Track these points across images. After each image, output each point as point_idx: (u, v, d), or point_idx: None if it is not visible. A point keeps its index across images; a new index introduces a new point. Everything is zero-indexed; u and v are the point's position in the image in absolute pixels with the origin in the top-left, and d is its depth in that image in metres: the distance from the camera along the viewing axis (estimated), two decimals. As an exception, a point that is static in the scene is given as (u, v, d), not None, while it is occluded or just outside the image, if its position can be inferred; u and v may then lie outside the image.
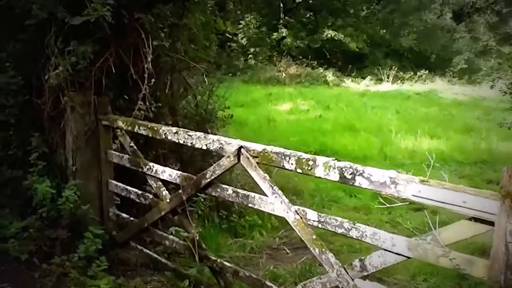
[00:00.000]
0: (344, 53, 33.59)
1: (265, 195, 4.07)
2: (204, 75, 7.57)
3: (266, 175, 4.09)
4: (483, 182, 10.06)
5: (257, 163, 4.08)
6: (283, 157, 3.86)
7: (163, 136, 4.95)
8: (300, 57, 31.79)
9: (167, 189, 5.16)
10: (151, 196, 5.33)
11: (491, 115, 18.46)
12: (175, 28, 6.43)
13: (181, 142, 4.77)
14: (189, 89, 7.27)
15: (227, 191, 4.46)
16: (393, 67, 31.58)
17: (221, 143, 4.39)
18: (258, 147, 4.13)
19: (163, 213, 5.10)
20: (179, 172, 4.97)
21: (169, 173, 5.01)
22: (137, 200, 5.54)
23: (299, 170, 3.77)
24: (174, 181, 4.97)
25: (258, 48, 31.98)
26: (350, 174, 3.51)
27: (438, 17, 35.51)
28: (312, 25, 33.81)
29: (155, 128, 5.08)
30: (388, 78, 30.69)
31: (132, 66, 5.74)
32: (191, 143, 4.65)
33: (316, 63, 31.82)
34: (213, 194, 4.65)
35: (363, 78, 31.54)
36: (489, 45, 38.06)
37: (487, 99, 25.99)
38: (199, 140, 4.58)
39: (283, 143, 10.98)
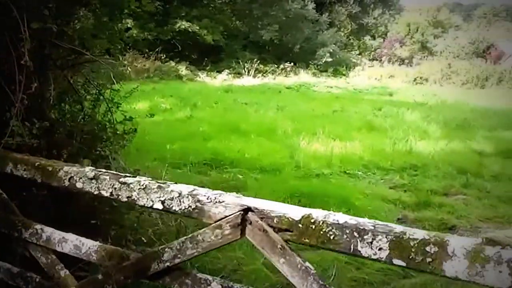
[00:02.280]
0: (198, 46, 31.88)
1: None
2: (112, 76, 5.49)
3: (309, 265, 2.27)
4: (422, 192, 8.06)
5: (287, 241, 2.26)
6: (355, 233, 2.11)
7: (66, 183, 3.06)
8: (147, 50, 29.31)
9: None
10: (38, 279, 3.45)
11: (383, 109, 17.25)
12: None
13: (106, 194, 2.84)
14: (84, 95, 5.09)
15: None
16: (254, 60, 30.36)
17: (198, 201, 2.48)
18: (287, 209, 2.30)
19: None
20: (98, 244, 3.09)
21: (75, 244, 3.14)
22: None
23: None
24: (87, 258, 3.13)
25: (98, 41, 28.52)
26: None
27: (302, 8, 34.63)
28: (161, 16, 31.34)
29: (49, 169, 3.20)
30: (248, 71, 29.61)
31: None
32: (130, 197, 2.69)
33: (165, 56, 29.80)
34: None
35: (219, 72, 30.56)
36: (351, 36, 38.52)
37: (363, 91, 25.64)
38: (148, 192, 2.62)
39: (160, 154, 8.29)
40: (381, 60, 45.11)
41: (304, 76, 30.50)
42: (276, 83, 26.21)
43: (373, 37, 52.93)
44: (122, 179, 2.63)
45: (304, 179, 8.25)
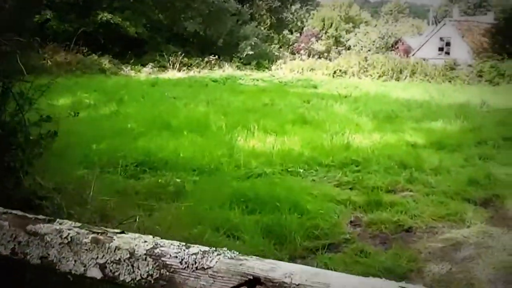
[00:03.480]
0: (121, 38, 30.36)
1: None
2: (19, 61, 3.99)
3: None
4: (370, 190, 7.33)
5: None
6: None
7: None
8: (68, 42, 27.43)
9: None
10: None
11: (312, 102, 16.58)
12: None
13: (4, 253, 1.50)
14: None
15: None
16: (178, 53, 29.14)
17: (164, 266, 1.30)
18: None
19: None
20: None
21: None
22: None
23: None
24: None
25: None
26: None
27: (224, 1, 33.64)
28: (82, 6, 29.50)
29: None
30: (173, 65, 28.36)
31: None
32: (45, 258, 1.44)
33: (87, 49, 28.17)
34: None
35: (144, 65, 29.39)
36: (271, 30, 38.01)
37: (289, 84, 25.08)
38: (77, 249, 1.40)
39: (86, 158, 7.16)
40: (299, 53, 45.02)
41: (228, 69, 29.64)
42: (202, 77, 25.24)
43: (291, 32, 52.95)
44: (31, 227, 1.49)
45: (247, 179, 7.34)
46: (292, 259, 4.99)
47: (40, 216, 1.51)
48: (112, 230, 1.42)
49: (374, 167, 8.65)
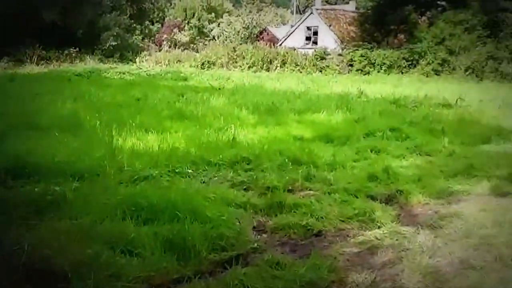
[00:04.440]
0: None
1: None
2: None
3: None
4: (266, 190, 6.96)
5: None
6: None
7: None
8: None
9: None
10: None
11: (186, 95, 16.05)
12: None
13: None
14: None
15: None
16: (36, 46, 27.15)
17: None
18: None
19: None
20: None
21: None
22: None
23: None
24: None
25: None
26: None
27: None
28: None
29: None
30: (31, 58, 26.36)
31: None
32: None
33: None
34: None
35: None
36: (133, 21, 36.84)
37: (157, 76, 24.35)
38: None
39: None
40: (160, 45, 44.21)
41: (90, 62, 28.17)
42: (64, 70, 23.90)
43: (152, 22, 51.84)
44: None
45: (133, 184, 6.60)
46: (200, 276, 4.43)
47: None
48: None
49: (266, 164, 8.24)
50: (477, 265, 4.80)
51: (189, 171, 7.73)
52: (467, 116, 14.10)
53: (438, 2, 36.46)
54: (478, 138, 10.94)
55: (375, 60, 33.05)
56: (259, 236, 5.54)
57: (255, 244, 5.22)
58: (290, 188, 7.20)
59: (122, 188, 6.28)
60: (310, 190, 7.21)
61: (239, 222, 5.70)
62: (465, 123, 12.72)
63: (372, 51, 33.80)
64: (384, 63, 32.95)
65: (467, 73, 30.40)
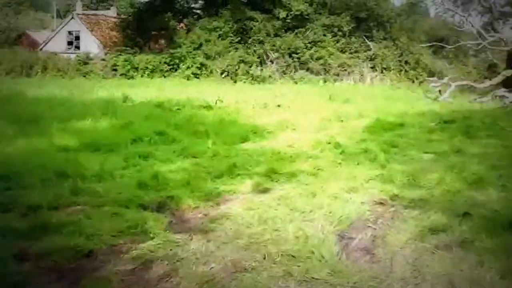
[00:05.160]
0: None
1: None
2: None
3: None
4: (28, 210, 6.37)
5: None
6: None
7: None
8: None
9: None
10: None
11: None
12: None
13: None
14: None
15: None
16: None
17: None
18: None
19: None
20: None
21: None
22: None
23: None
24: None
25: None
26: None
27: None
28: None
29: None
30: None
31: None
32: None
33: None
34: None
35: None
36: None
37: None
38: None
39: None
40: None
41: None
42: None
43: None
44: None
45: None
46: None
47: None
48: None
49: (28, 181, 7.50)
50: (248, 266, 4.80)
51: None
52: (226, 116, 14.63)
53: (194, 10, 38.21)
54: (237, 138, 11.35)
55: (138, 64, 33.33)
56: (20, 266, 4.89)
57: (16, 277, 4.58)
58: (55, 205, 6.59)
59: None
60: (78, 205, 6.67)
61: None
62: (225, 124, 13.16)
63: (135, 56, 34.05)
64: (147, 67, 33.48)
65: (223, 75, 32.65)
